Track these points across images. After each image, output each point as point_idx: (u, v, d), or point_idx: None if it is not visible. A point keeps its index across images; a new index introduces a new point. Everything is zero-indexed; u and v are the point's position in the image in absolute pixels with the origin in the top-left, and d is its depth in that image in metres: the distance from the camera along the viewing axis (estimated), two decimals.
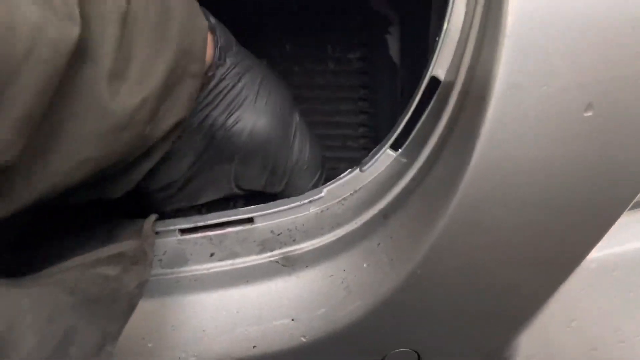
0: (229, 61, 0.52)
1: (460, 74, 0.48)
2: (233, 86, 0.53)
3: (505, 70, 0.41)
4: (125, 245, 0.49)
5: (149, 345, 0.54)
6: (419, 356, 0.55)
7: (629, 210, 0.58)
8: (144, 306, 0.55)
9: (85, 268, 0.43)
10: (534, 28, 0.41)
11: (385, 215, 0.52)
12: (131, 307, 0.43)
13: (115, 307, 0.41)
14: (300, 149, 0.58)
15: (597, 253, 0.55)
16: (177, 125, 0.46)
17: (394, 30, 0.81)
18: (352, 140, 0.88)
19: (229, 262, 0.56)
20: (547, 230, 0.47)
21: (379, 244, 0.51)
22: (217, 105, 0.53)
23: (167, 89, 0.42)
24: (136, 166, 0.45)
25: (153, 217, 0.54)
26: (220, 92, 0.53)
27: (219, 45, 0.51)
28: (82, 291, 0.40)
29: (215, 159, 0.56)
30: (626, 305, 0.56)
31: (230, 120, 0.53)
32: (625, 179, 0.45)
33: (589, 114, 0.42)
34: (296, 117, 0.59)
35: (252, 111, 0.54)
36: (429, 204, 0.48)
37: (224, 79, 0.52)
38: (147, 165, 0.46)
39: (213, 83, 0.51)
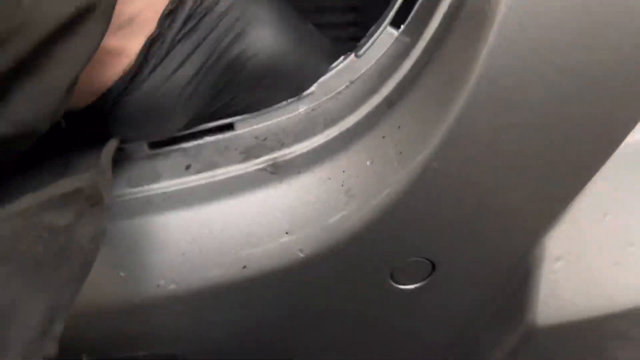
0: None
1: None
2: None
3: None
4: (82, 179, 0.39)
5: (121, 274, 0.46)
6: (433, 266, 0.48)
7: None
8: (112, 231, 0.47)
9: (31, 214, 0.33)
10: None
11: (390, 103, 0.44)
12: (85, 269, 0.35)
13: (65, 270, 0.32)
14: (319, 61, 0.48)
15: (636, 135, 0.48)
16: (81, 16, 0.31)
17: None
18: (340, 42, 0.78)
19: (208, 174, 0.47)
20: (583, 105, 0.39)
21: (384, 136, 0.43)
22: (215, 27, 0.43)
23: None
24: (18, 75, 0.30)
25: (114, 142, 0.44)
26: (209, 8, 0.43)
27: None
28: (21, 254, 0.31)
29: (229, 93, 0.46)
30: None
31: (239, 43, 0.44)
32: None
33: None
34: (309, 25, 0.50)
35: (260, 25, 0.44)
36: (443, 83, 0.39)
37: None
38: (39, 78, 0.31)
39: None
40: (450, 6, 0.41)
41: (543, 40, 0.36)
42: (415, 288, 0.50)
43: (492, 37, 0.36)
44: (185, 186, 0.47)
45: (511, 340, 0.52)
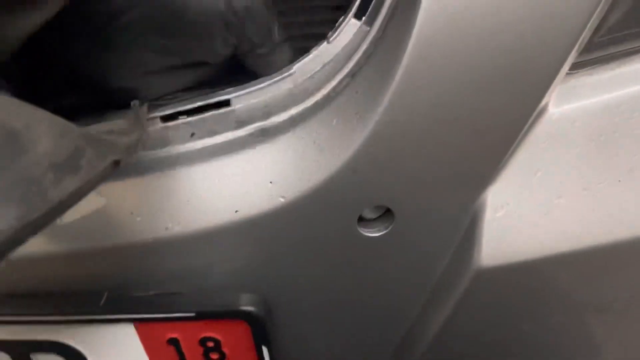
0: None
1: None
2: None
3: None
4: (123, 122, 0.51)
5: (138, 219, 0.57)
6: (394, 216, 0.58)
7: (586, 69, 0.61)
8: (131, 184, 0.58)
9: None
10: None
11: (352, 75, 0.55)
12: (129, 152, 0.46)
13: (115, 147, 0.43)
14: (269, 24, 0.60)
15: (557, 108, 0.58)
16: None
17: None
18: None
19: (209, 139, 0.59)
20: (496, 69, 0.49)
21: (346, 100, 0.54)
22: None
23: None
24: (20, 15, 0.41)
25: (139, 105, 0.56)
26: None
27: None
28: (86, 130, 0.42)
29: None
30: (588, 154, 0.59)
31: None
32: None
33: None
34: None
35: None
36: (389, 56, 0.50)
37: None
38: (36, 18, 0.42)
39: None
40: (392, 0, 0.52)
41: (459, 26, 0.46)
42: (380, 235, 0.60)
43: (419, 19, 0.47)
44: (190, 149, 0.58)
45: (463, 282, 0.61)
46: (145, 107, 0.55)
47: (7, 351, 0.64)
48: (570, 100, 0.59)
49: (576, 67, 0.60)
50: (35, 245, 0.57)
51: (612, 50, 0.61)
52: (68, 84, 0.62)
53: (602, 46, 0.60)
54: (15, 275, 0.61)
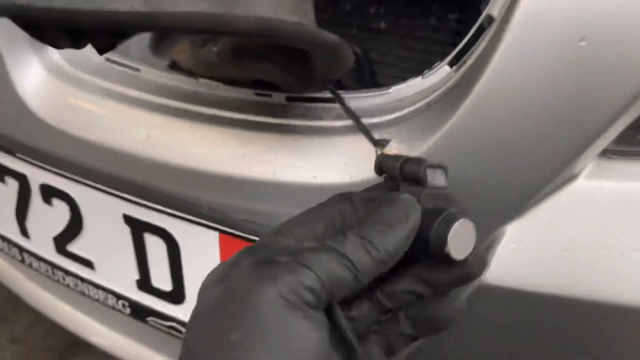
0: None
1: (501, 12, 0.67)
2: None
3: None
4: None
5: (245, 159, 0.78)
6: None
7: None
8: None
9: None
10: None
11: (428, 105, 0.72)
12: None
13: None
14: None
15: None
16: None
17: None
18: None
19: (317, 122, 0.79)
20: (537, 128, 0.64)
21: (416, 122, 0.71)
22: None
23: None
24: None
25: None
26: None
27: None
28: None
29: None
30: (604, 225, 0.70)
31: None
32: None
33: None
34: None
35: None
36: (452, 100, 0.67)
37: None
38: None
39: None
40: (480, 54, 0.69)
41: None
42: None
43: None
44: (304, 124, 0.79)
45: (468, 292, 0.75)
46: None
47: (130, 225, 0.89)
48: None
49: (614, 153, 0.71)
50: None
51: None
52: None
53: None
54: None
